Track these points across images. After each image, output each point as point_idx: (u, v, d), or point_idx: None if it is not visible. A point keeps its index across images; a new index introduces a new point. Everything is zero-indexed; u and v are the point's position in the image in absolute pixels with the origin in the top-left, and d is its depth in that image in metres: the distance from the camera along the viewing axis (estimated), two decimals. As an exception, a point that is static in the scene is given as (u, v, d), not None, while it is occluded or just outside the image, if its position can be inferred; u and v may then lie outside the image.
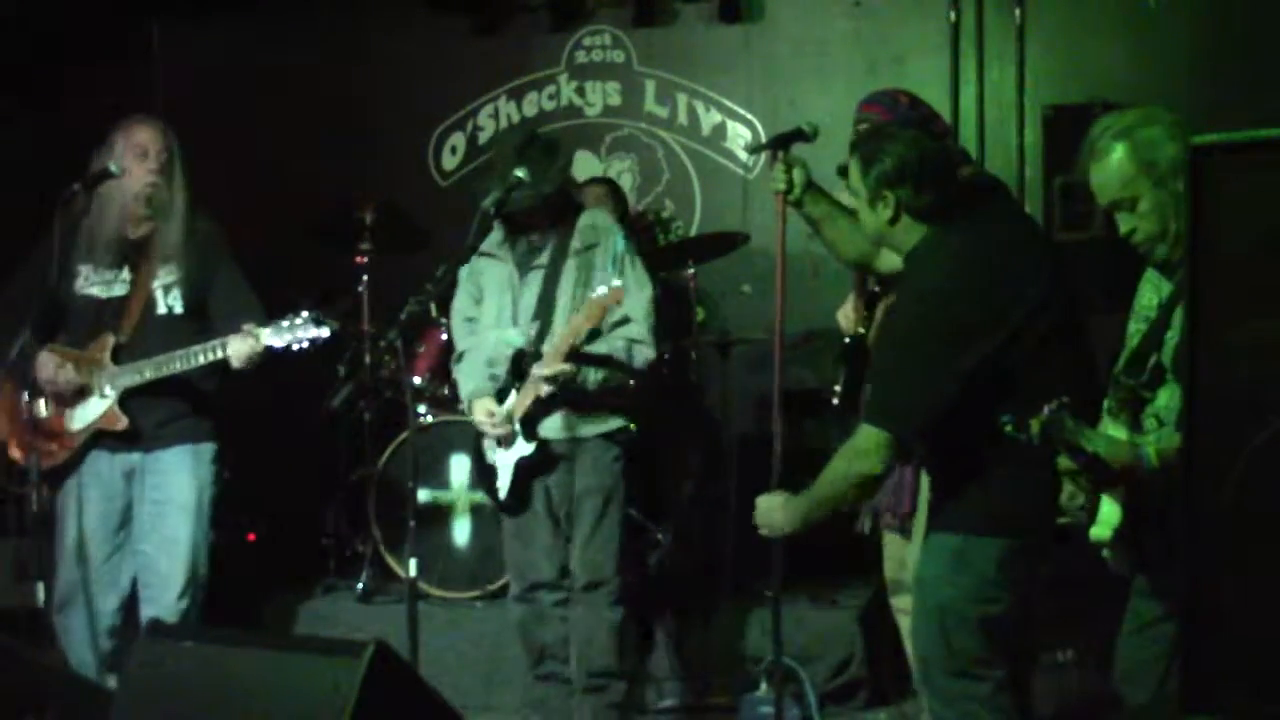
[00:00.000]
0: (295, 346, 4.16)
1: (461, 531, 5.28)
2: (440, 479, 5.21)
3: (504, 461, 4.33)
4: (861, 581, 5.07)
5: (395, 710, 2.94)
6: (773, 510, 3.39)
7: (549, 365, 4.11)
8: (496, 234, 4.36)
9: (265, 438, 6.13)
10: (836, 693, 4.83)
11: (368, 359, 5.62)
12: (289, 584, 5.61)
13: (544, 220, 4.31)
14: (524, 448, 4.26)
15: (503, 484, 4.33)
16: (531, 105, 6.67)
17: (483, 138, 6.70)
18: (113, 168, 4.19)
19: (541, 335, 4.26)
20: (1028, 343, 3.15)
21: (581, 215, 4.39)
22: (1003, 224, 3.41)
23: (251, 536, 6.04)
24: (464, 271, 4.41)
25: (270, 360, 4.24)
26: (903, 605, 4.03)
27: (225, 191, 6.60)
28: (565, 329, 4.15)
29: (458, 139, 6.75)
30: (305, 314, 4.15)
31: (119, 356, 4.26)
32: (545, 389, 4.15)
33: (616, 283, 4.09)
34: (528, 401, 4.21)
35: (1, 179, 4.46)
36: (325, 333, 4.16)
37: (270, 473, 6.06)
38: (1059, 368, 3.16)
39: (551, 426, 4.28)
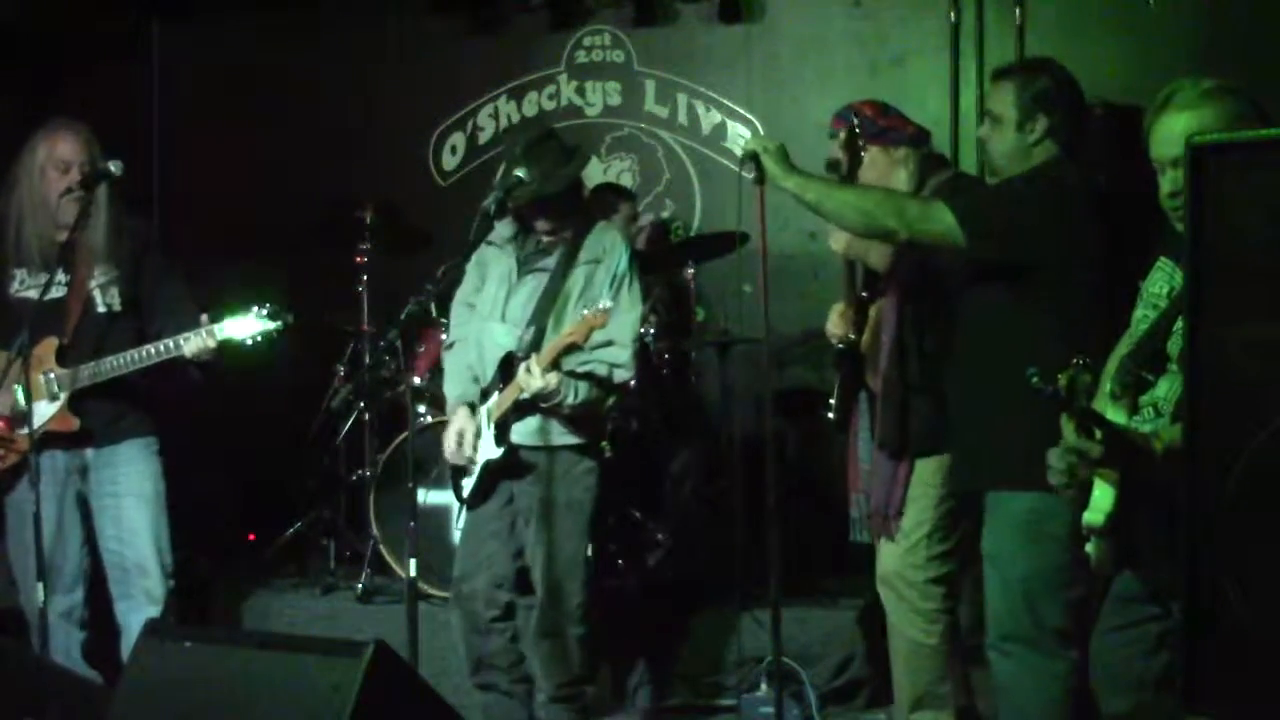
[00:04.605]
0: (250, 341, 4.18)
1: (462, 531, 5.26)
2: (440, 479, 5.20)
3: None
4: (861, 582, 5.06)
5: (395, 710, 2.94)
6: (767, 150, 3.48)
7: (535, 378, 4.01)
8: (507, 228, 4.30)
9: (265, 438, 6.14)
10: (836, 693, 4.83)
11: (368, 359, 5.63)
12: (289, 584, 5.61)
13: (552, 221, 4.23)
14: (493, 450, 4.18)
15: (467, 482, 4.28)
16: (531, 105, 6.68)
17: (483, 138, 6.71)
18: (113, 168, 4.21)
19: (536, 341, 4.17)
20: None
21: (595, 227, 4.31)
22: None
23: (251, 536, 6.04)
24: (474, 258, 4.35)
25: (241, 354, 4.25)
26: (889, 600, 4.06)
27: (225, 191, 6.66)
28: (556, 339, 4.07)
29: (458, 139, 6.75)
30: (257, 307, 4.18)
31: (64, 359, 4.27)
32: (525, 394, 4.06)
33: (606, 304, 4.00)
34: (507, 404, 4.15)
35: (0, 179, 4.45)
36: (280, 325, 4.19)
37: (271, 473, 6.07)
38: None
39: (525, 431, 4.20)
